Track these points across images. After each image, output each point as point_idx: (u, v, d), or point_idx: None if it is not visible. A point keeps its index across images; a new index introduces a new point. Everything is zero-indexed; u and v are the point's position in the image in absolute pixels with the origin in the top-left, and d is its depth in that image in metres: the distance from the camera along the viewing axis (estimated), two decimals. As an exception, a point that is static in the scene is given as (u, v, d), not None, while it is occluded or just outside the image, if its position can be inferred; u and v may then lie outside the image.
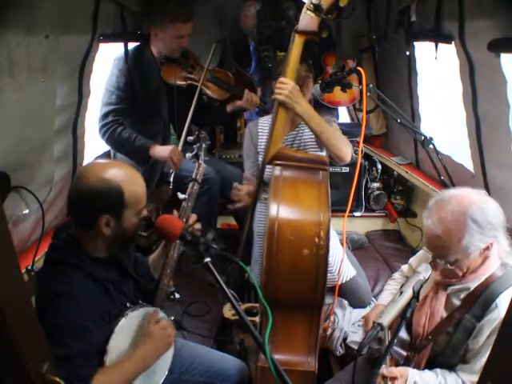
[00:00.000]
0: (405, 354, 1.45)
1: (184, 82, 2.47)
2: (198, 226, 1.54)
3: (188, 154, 1.80)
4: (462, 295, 1.35)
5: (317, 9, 1.55)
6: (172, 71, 2.45)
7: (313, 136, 1.96)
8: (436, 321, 1.38)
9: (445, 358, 1.35)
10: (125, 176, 1.23)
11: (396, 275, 1.75)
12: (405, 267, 1.75)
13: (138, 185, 1.27)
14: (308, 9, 1.57)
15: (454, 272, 1.31)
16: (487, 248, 1.26)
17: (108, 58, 2.37)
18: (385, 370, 1.29)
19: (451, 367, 1.34)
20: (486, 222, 1.23)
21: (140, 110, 2.41)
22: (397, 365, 1.43)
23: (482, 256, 1.28)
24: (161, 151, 2.30)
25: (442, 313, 1.38)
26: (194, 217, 1.56)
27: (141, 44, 2.46)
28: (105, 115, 2.31)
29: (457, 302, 1.36)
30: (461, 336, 1.31)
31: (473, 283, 1.33)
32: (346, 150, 1.77)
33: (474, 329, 1.29)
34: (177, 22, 2.27)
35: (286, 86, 1.64)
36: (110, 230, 1.23)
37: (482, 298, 1.29)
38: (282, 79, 1.67)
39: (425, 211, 1.34)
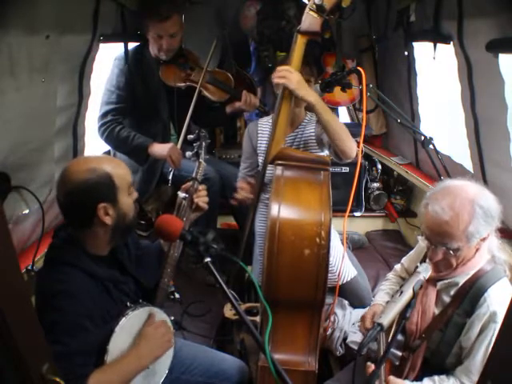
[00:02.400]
0: (400, 354, 1.45)
1: (183, 84, 2.44)
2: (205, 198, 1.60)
3: (188, 153, 1.78)
4: (452, 291, 1.36)
5: (319, 9, 1.55)
6: (171, 72, 2.43)
7: (313, 136, 1.95)
8: (428, 317, 1.38)
9: (439, 356, 1.35)
10: (107, 161, 1.28)
11: (390, 275, 1.76)
12: (398, 266, 1.75)
13: (121, 165, 1.31)
14: (311, 9, 1.57)
15: (449, 262, 1.31)
16: (484, 238, 1.28)
17: (108, 58, 2.37)
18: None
19: (447, 369, 1.34)
20: (490, 210, 1.25)
21: (140, 110, 2.41)
22: (392, 366, 1.43)
23: (476, 247, 1.30)
24: (160, 149, 2.29)
25: (433, 309, 1.38)
26: (203, 186, 1.61)
27: (141, 44, 2.46)
28: (104, 114, 2.31)
29: (447, 299, 1.37)
30: (453, 332, 1.31)
31: (461, 277, 1.34)
32: (351, 144, 1.72)
33: (464, 324, 1.30)
34: (153, 21, 2.25)
35: (292, 75, 1.59)
36: (111, 218, 1.25)
37: (470, 294, 1.30)
38: (285, 67, 1.61)
39: (426, 199, 1.33)
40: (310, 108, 1.75)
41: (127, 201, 1.30)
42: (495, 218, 1.27)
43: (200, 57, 2.54)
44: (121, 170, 1.29)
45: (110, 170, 1.25)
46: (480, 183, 1.97)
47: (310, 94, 1.64)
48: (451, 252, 1.29)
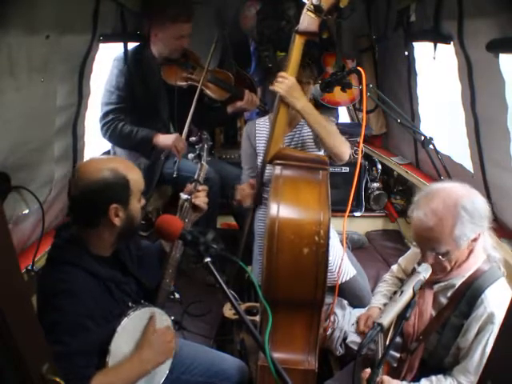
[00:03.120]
0: (397, 355, 1.45)
1: (184, 83, 2.47)
2: (204, 199, 1.60)
3: (190, 155, 1.80)
4: (449, 293, 1.36)
5: (317, 9, 1.56)
6: (172, 72, 2.45)
7: (311, 136, 1.96)
8: (425, 319, 1.38)
9: (437, 357, 1.35)
10: (125, 165, 1.32)
11: (386, 276, 1.76)
12: (394, 267, 1.75)
13: (137, 171, 1.35)
14: (308, 9, 1.57)
15: (443, 266, 1.31)
16: (475, 239, 1.28)
17: (108, 58, 2.37)
18: None
19: (445, 369, 1.34)
20: (475, 211, 1.25)
21: (140, 110, 2.41)
22: (389, 367, 1.43)
23: (469, 248, 1.30)
24: (164, 139, 2.32)
25: (430, 311, 1.38)
26: (204, 187, 1.62)
27: (141, 44, 2.46)
28: (105, 114, 2.32)
29: (444, 301, 1.37)
30: (450, 334, 1.31)
31: (457, 279, 1.34)
32: (343, 149, 1.76)
33: (462, 326, 1.29)
34: (177, 22, 2.28)
35: (285, 81, 1.63)
36: (120, 219, 1.27)
37: (467, 295, 1.30)
38: (282, 73, 1.65)
39: (411, 206, 1.35)
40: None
41: (137, 206, 1.32)
42: (484, 218, 1.27)
43: (200, 57, 2.55)
44: (137, 176, 1.32)
45: (128, 173, 1.28)
46: (480, 184, 2.00)
47: (298, 101, 1.66)
48: (440, 257, 1.29)
